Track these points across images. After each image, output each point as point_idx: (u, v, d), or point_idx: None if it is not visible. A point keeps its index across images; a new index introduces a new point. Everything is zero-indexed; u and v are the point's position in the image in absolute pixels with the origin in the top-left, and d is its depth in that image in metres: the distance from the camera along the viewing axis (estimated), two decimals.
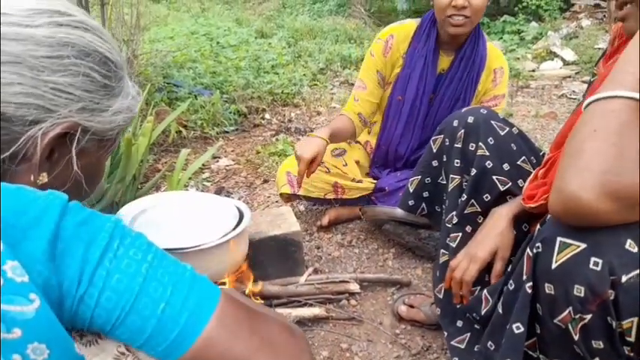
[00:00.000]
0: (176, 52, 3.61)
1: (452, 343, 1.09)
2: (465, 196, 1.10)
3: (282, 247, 1.39)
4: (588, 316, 0.65)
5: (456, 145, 1.12)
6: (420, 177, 1.25)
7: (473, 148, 1.09)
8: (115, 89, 0.57)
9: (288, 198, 1.75)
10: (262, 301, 1.29)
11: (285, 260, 1.41)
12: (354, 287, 1.38)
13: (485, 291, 0.97)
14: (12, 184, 0.45)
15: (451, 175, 1.14)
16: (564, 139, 0.73)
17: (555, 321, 0.69)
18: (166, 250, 0.52)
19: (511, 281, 0.81)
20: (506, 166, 1.07)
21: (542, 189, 0.89)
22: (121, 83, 0.59)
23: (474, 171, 1.08)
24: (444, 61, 1.60)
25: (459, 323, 1.11)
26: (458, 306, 1.06)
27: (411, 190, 1.27)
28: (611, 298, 0.63)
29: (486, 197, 1.08)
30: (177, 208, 1.20)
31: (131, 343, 0.48)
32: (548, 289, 0.69)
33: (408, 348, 1.24)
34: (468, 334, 1.08)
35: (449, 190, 1.15)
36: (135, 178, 1.65)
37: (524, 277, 0.74)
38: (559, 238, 0.66)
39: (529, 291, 0.73)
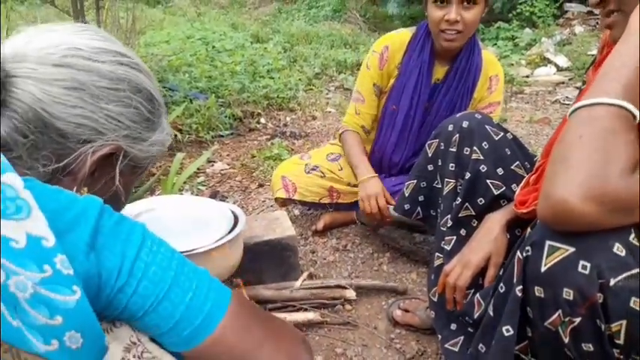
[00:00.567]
0: (172, 56, 3.61)
1: (446, 346, 1.09)
2: (460, 200, 1.10)
3: (277, 252, 1.39)
4: (577, 319, 0.66)
5: (450, 149, 1.13)
6: (415, 181, 1.26)
7: (467, 153, 1.10)
8: (155, 124, 0.66)
9: (283, 202, 1.75)
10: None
11: (280, 265, 1.41)
12: (350, 294, 1.38)
13: (477, 295, 0.97)
14: None
15: (446, 179, 1.15)
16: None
17: (545, 324, 0.70)
18: None
19: (502, 284, 0.81)
20: (500, 171, 1.08)
21: (534, 195, 0.90)
22: (160, 120, 0.67)
23: (468, 175, 1.09)
24: (439, 71, 1.60)
25: (453, 326, 1.11)
26: (452, 310, 1.06)
27: (407, 194, 1.27)
28: (600, 301, 0.63)
29: (480, 201, 1.09)
30: (171, 212, 1.20)
31: (157, 330, 0.54)
32: (538, 292, 0.69)
33: (403, 352, 1.24)
34: (462, 337, 1.08)
35: (444, 193, 1.15)
36: None
37: (515, 280, 0.75)
38: (548, 242, 0.67)
39: (519, 294, 0.73)
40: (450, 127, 1.14)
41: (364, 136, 1.71)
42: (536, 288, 0.69)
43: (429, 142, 1.21)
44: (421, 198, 1.26)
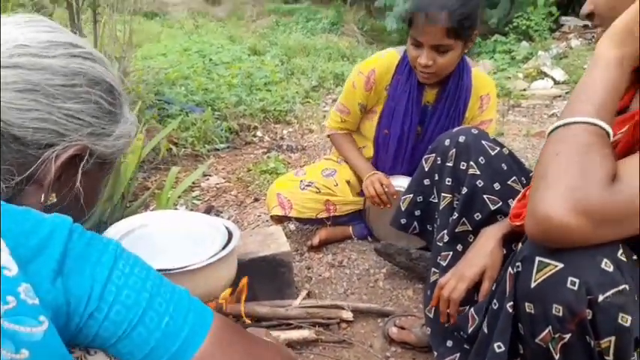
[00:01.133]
0: (168, 69, 3.61)
1: None
2: (457, 215, 1.09)
3: (272, 268, 1.37)
4: (567, 336, 0.66)
5: (447, 164, 1.12)
6: (412, 195, 1.24)
7: (464, 167, 1.09)
8: (118, 115, 0.62)
9: (279, 219, 1.73)
10: (250, 322, 1.27)
11: (274, 281, 1.39)
12: (347, 315, 1.36)
13: (472, 309, 0.96)
14: (22, 204, 0.48)
15: (442, 194, 1.14)
16: None
17: (536, 340, 0.70)
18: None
19: (495, 300, 0.81)
20: (497, 186, 1.07)
21: None
22: (122, 109, 0.63)
23: (464, 190, 1.08)
24: (429, 94, 1.60)
25: (449, 343, 1.09)
26: (446, 325, 1.05)
27: (403, 209, 1.26)
28: (589, 317, 0.64)
29: (477, 216, 1.08)
30: (165, 227, 1.18)
31: (130, 357, 0.50)
32: (529, 308, 0.69)
33: None
34: (458, 354, 1.07)
35: (440, 208, 1.14)
36: (123, 196, 1.63)
37: (507, 296, 0.75)
38: (537, 258, 0.68)
39: (510, 310, 0.73)
40: (447, 142, 1.13)
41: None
42: (526, 304, 0.69)
43: (425, 156, 1.21)
44: (417, 212, 1.25)
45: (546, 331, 0.68)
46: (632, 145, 0.78)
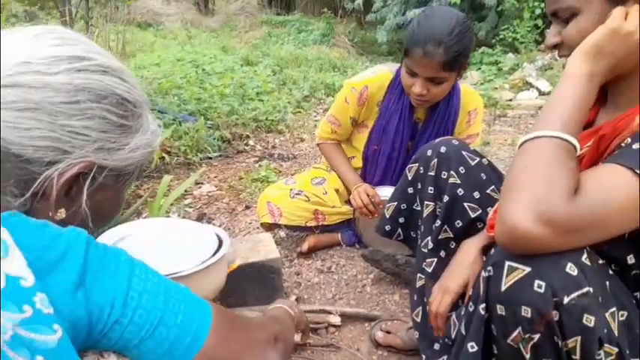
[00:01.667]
0: (162, 79, 3.65)
1: None
2: (439, 222, 1.13)
3: (261, 274, 1.40)
4: (537, 336, 0.69)
5: (429, 173, 1.17)
6: (396, 203, 1.28)
7: (445, 177, 1.14)
8: (132, 127, 0.60)
9: (269, 227, 1.77)
10: None
11: (264, 287, 1.42)
12: (335, 319, 1.39)
13: (453, 315, 1.00)
14: (36, 219, 0.50)
15: (425, 202, 1.18)
16: None
17: (508, 341, 0.73)
18: None
19: (470, 303, 0.84)
20: (476, 194, 1.12)
21: None
22: (140, 120, 0.61)
23: (446, 198, 1.12)
24: (420, 111, 1.65)
25: (436, 346, 1.13)
26: (435, 335, 1.09)
27: (388, 216, 1.30)
28: (556, 318, 0.67)
29: (458, 223, 1.12)
30: (156, 235, 1.21)
31: (152, 354, 0.55)
32: (500, 310, 0.72)
33: None
34: (445, 357, 1.10)
35: (424, 216, 1.18)
36: None
37: (479, 299, 0.78)
38: (507, 262, 0.71)
39: (482, 312, 0.76)
40: (429, 152, 1.18)
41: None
42: (498, 306, 0.73)
43: (409, 165, 1.25)
44: (402, 220, 1.29)
45: (517, 331, 0.71)
46: (596, 159, 0.82)
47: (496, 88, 4.63)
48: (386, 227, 1.31)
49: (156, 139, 0.64)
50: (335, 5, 8.16)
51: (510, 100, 4.40)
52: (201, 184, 2.47)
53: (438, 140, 1.20)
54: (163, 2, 9.68)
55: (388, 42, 6.49)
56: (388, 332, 1.33)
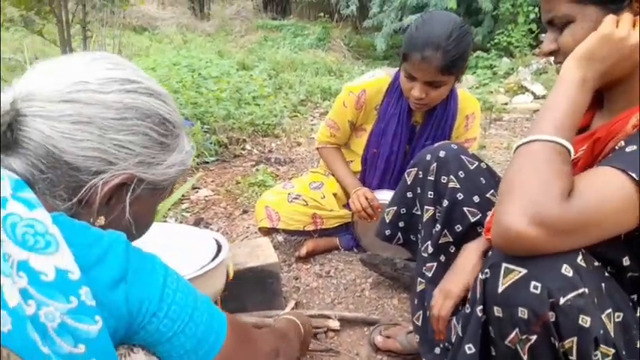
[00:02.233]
0: (158, 83, 3.63)
1: None
2: (439, 227, 1.13)
3: (260, 279, 1.40)
4: (534, 337, 0.70)
5: (429, 178, 1.17)
6: (395, 207, 1.29)
7: (445, 181, 1.14)
8: (171, 145, 0.66)
9: (267, 231, 1.76)
10: None
11: (262, 291, 1.41)
12: (334, 324, 1.39)
13: (454, 319, 1.00)
14: None
15: (425, 207, 1.18)
16: None
17: (505, 342, 0.73)
18: None
19: (468, 305, 0.85)
20: (476, 199, 1.12)
21: None
22: (177, 140, 0.68)
23: (445, 202, 1.12)
24: (418, 115, 1.66)
25: (437, 350, 1.13)
26: (437, 339, 1.08)
27: (387, 220, 1.30)
28: (552, 319, 0.68)
29: (458, 228, 1.12)
30: (155, 240, 1.20)
31: (181, 349, 0.60)
32: (497, 311, 0.73)
33: None
34: None
35: (424, 220, 1.19)
36: None
37: (477, 301, 0.79)
38: (504, 264, 0.72)
39: (479, 314, 0.77)
40: (428, 157, 1.18)
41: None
42: (495, 308, 0.73)
43: (407, 170, 1.25)
44: (401, 224, 1.29)
45: (514, 333, 0.71)
46: (591, 162, 0.83)
47: (491, 92, 4.66)
48: (386, 232, 1.31)
49: (189, 158, 0.70)
50: (331, 10, 8.18)
51: (506, 103, 4.42)
52: (198, 188, 2.47)
53: (437, 145, 1.20)
54: (159, 6, 9.68)
55: (386, 47, 6.52)
56: (387, 337, 1.33)
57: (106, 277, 0.53)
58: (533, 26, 5.83)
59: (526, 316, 0.69)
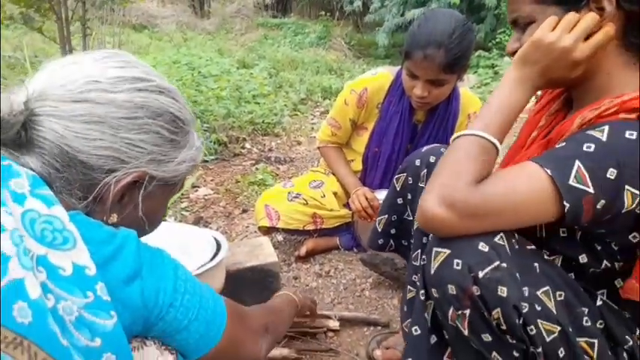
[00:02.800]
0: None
1: None
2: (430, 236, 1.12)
3: (260, 278, 1.39)
4: (467, 312, 0.75)
5: (419, 185, 1.14)
6: (386, 216, 1.26)
7: None
8: (181, 142, 0.67)
9: (267, 230, 1.76)
10: None
11: (262, 291, 1.40)
12: (334, 324, 1.38)
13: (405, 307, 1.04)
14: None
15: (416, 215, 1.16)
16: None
17: (449, 322, 0.78)
18: None
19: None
20: None
21: None
22: (187, 137, 0.69)
23: None
24: (420, 113, 1.65)
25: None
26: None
27: (380, 229, 1.28)
28: (477, 293, 0.73)
29: None
30: (154, 238, 1.20)
31: (196, 334, 0.64)
32: (435, 292, 0.78)
33: None
34: None
35: (415, 227, 1.17)
36: None
37: (419, 286, 0.86)
38: (434, 248, 0.78)
39: (422, 297, 0.85)
40: (418, 162, 1.15)
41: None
42: (432, 290, 0.79)
43: (396, 176, 1.22)
44: (393, 231, 1.27)
45: (451, 310, 0.76)
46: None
47: (492, 92, 4.64)
48: (379, 241, 1.30)
49: (199, 154, 0.71)
50: (332, 8, 8.17)
51: None
52: (198, 187, 2.46)
53: (425, 149, 1.17)
54: (159, 4, 9.66)
55: (388, 45, 6.49)
56: (387, 348, 1.31)
57: (121, 272, 0.55)
58: None
59: (455, 292, 0.74)
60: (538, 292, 0.74)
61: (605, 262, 0.82)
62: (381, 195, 1.65)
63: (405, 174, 1.20)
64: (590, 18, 0.77)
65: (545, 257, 0.83)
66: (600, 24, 0.77)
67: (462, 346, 0.80)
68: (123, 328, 0.54)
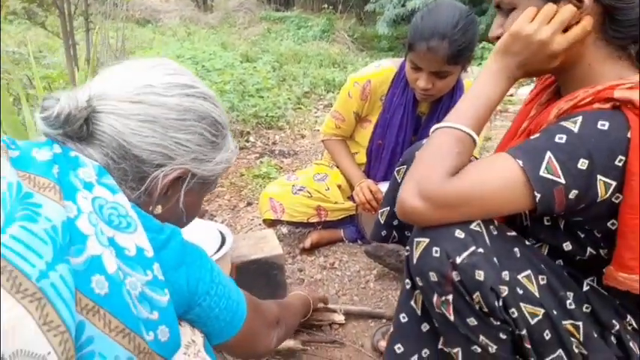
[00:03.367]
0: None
1: None
2: None
3: (264, 271, 1.40)
4: (450, 297, 0.77)
5: None
6: (388, 208, 1.27)
7: None
8: (220, 144, 0.73)
9: (272, 223, 1.76)
10: None
11: (267, 283, 1.41)
12: (339, 318, 1.39)
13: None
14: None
15: None
16: None
17: (436, 310, 0.80)
18: None
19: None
20: None
21: None
22: (225, 140, 0.75)
23: None
24: (423, 105, 1.64)
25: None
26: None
27: (382, 222, 1.28)
28: (457, 278, 0.75)
29: None
30: None
31: (223, 322, 0.73)
32: (419, 281, 0.81)
33: None
34: None
35: None
36: None
37: (405, 276, 0.89)
38: (415, 239, 0.80)
39: (407, 286, 0.88)
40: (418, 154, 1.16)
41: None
42: (416, 279, 0.81)
43: (397, 168, 1.22)
44: (395, 222, 1.27)
45: (435, 297, 0.79)
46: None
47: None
48: (382, 233, 1.30)
49: (234, 156, 0.77)
50: (335, 1, 8.12)
51: (511, 95, 4.38)
52: None
53: (425, 141, 1.17)
54: None
55: (389, 36, 6.44)
56: None
57: (171, 259, 0.62)
58: None
59: (436, 279, 0.77)
60: (519, 276, 0.77)
61: (589, 249, 0.83)
62: (385, 187, 1.65)
63: (405, 166, 1.20)
64: (567, 10, 0.77)
65: (527, 243, 0.85)
66: (579, 17, 0.77)
67: (451, 332, 0.82)
68: (176, 307, 0.61)
